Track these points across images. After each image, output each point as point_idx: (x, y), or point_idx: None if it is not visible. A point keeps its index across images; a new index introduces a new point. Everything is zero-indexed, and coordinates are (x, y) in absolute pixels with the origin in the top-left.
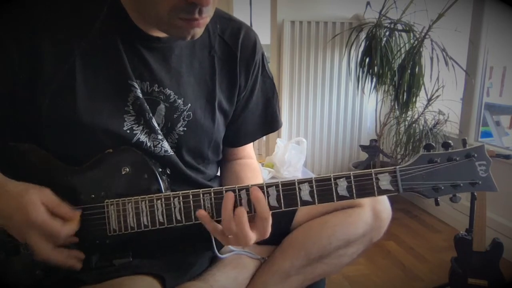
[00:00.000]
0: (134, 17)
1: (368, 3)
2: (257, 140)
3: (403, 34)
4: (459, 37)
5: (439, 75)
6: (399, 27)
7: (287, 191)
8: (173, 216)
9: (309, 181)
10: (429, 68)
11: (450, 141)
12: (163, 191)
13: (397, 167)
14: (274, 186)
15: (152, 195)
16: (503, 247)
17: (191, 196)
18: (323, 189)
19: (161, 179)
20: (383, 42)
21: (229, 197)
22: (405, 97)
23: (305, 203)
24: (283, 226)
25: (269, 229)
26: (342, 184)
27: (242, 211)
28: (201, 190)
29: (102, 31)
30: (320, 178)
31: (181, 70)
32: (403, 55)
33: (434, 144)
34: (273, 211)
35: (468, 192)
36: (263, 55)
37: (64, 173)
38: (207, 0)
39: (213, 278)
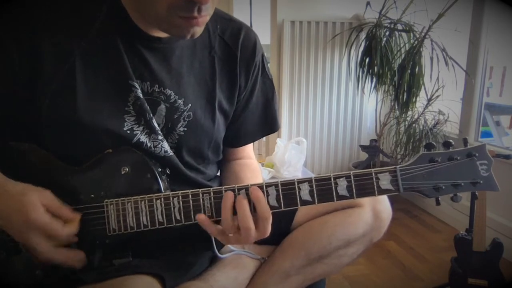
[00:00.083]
0: (134, 17)
1: (368, 3)
2: (257, 140)
3: (403, 34)
4: (459, 37)
5: (439, 75)
6: (399, 27)
7: (287, 191)
8: (173, 216)
9: (309, 180)
10: (429, 68)
11: (451, 140)
12: (163, 191)
13: (398, 166)
14: (273, 186)
15: (151, 195)
16: (503, 247)
17: (190, 196)
18: (323, 189)
19: (160, 179)
20: (383, 42)
21: (229, 197)
22: (405, 97)
23: (305, 202)
24: (283, 226)
25: (269, 229)
26: (342, 183)
27: (244, 204)
28: (200, 190)
29: (102, 31)
30: (320, 177)
31: (182, 70)
32: (403, 55)
33: (434, 144)
34: (273, 210)
35: (469, 192)
36: (263, 55)
37: (64, 173)
38: None
39: (213, 278)
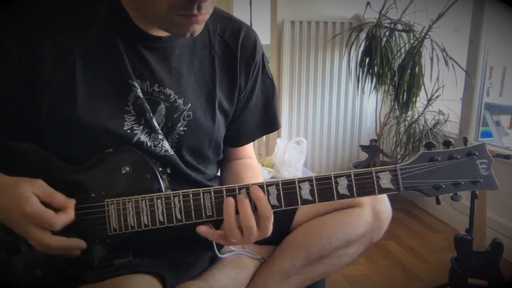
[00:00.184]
0: (134, 16)
1: (368, 3)
2: (257, 140)
3: (403, 34)
4: (459, 37)
5: (439, 75)
6: (399, 27)
7: (287, 190)
8: (173, 215)
9: (309, 179)
10: (429, 68)
11: (451, 140)
12: (164, 191)
13: (398, 165)
14: (274, 185)
15: (152, 194)
16: (503, 247)
17: (191, 195)
18: (324, 188)
19: (161, 178)
20: (383, 42)
21: (230, 204)
22: (405, 97)
23: (305, 201)
24: (283, 226)
25: (271, 228)
26: (343, 182)
27: (246, 203)
28: (201, 189)
29: (102, 31)
30: (321, 176)
31: (182, 69)
32: (403, 55)
33: (435, 143)
34: (274, 210)
35: (469, 191)
36: (263, 55)
37: (64, 172)
38: None
39: (213, 278)
